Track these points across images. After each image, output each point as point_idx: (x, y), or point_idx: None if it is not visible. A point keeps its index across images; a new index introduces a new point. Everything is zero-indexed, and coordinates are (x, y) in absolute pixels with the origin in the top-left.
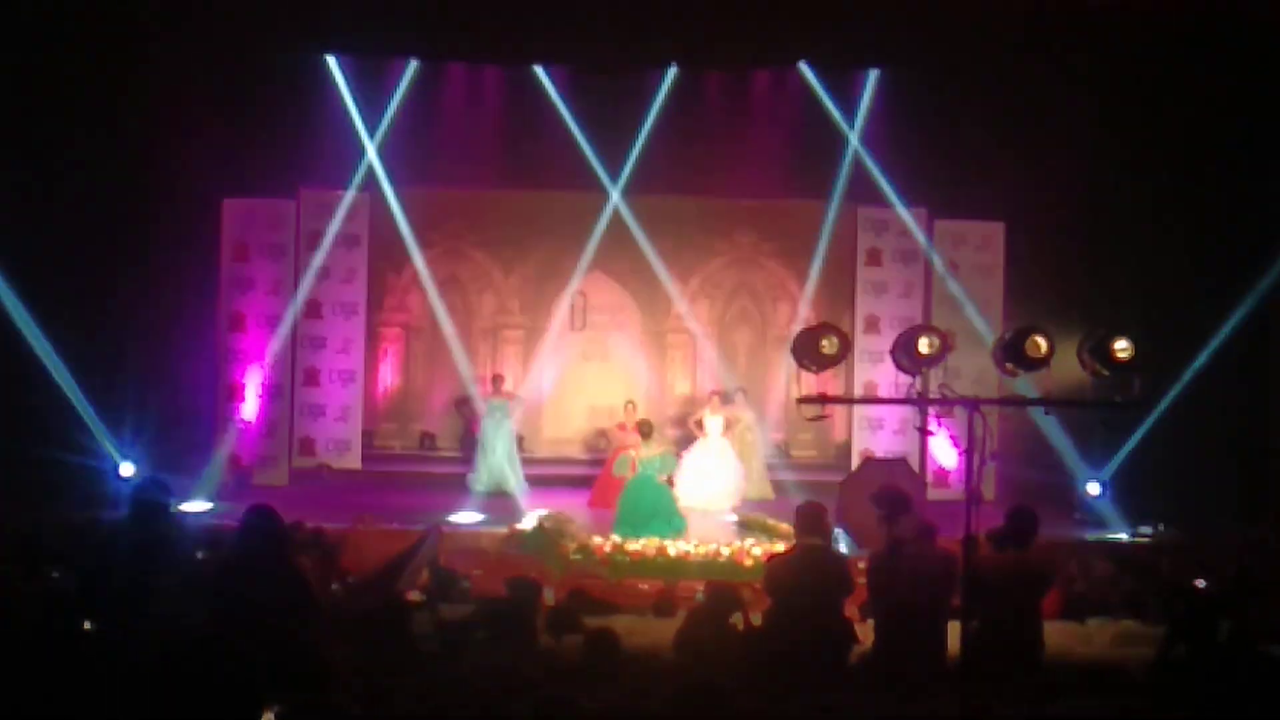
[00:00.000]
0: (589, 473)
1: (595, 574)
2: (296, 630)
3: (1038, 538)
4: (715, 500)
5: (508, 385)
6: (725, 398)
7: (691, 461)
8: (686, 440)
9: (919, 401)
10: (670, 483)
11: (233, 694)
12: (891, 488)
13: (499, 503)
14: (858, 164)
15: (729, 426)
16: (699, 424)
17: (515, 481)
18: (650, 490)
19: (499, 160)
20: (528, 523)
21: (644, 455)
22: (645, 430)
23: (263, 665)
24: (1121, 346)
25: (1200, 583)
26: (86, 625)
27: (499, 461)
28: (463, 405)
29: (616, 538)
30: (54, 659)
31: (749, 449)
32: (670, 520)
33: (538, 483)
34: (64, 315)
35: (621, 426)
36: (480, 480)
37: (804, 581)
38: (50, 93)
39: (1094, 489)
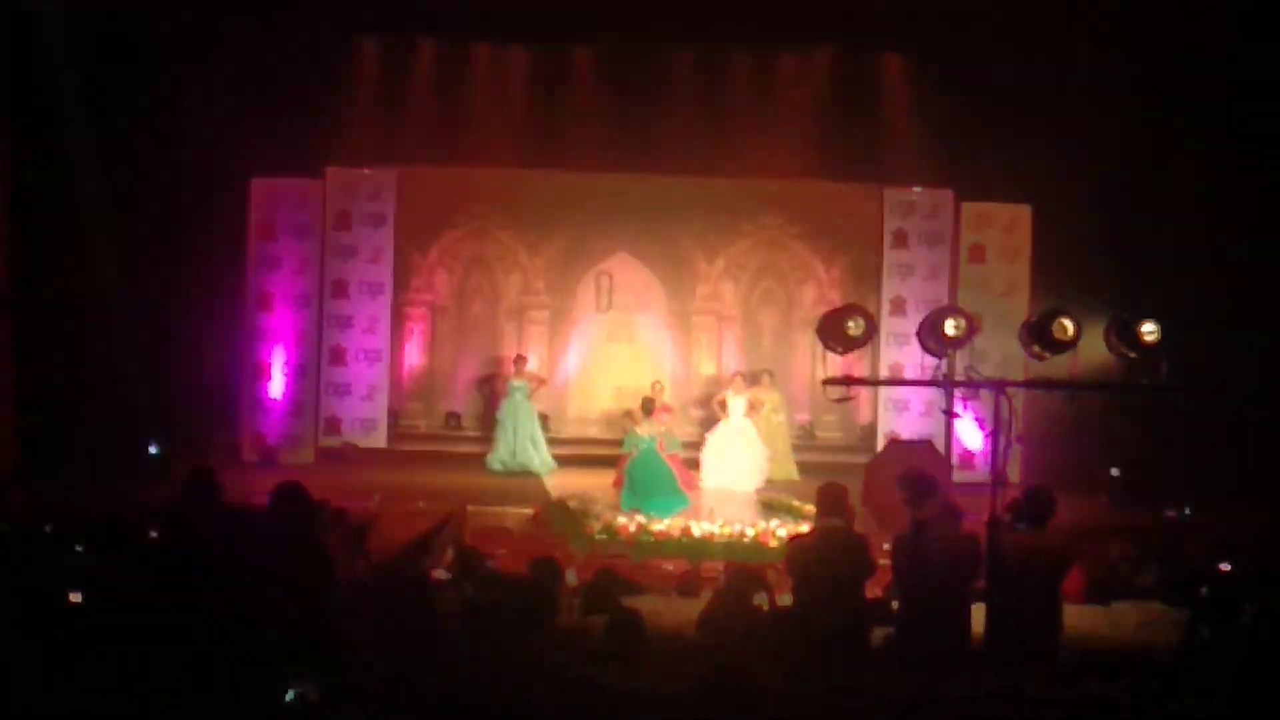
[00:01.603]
0: (614, 453)
1: (619, 554)
2: (318, 608)
3: (1060, 519)
4: (739, 480)
5: (531, 366)
6: (752, 379)
7: (715, 442)
8: (710, 421)
9: (945, 383)
10: (675, 460)
11: (258, 670)
12: (917, 470)
13: (524, 482)
14: (885, 146)
15: (753, 408)
16: (722, 405)
17: (540, 461)
18: (652, 464)
19: (525, 140)
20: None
21: (645, 432)
22: (647, 408)
23: (287, 642)
24: (1149, 330)
25: (1225, 566)
26: (75, 598)
27: (522, 442)
28: (483, 384)
29: (641, 518)
30: (75, 633)
31: (776, 430)
32: (672, 496)
33: (563, 463)
34: (92, 294)
35: None
36: (498, 460)
37: (824, 562)
38: (78, 72)
39: (1116, 472)
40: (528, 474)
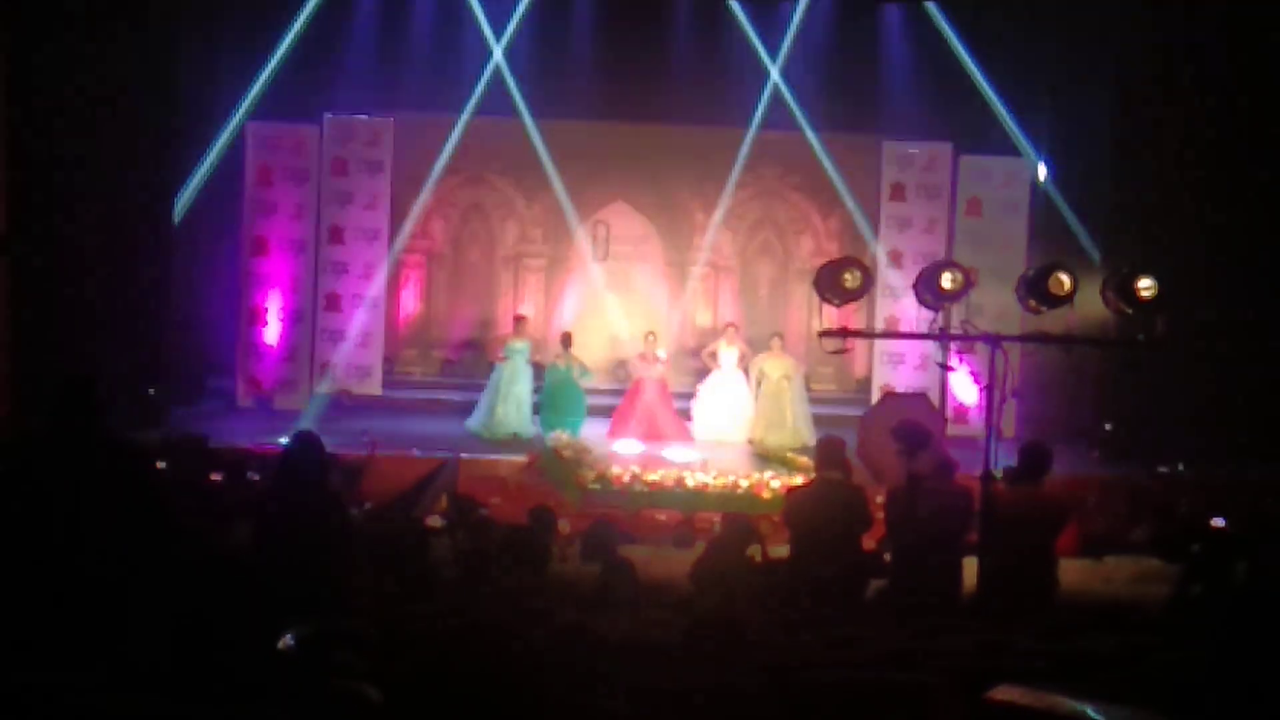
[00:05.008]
0: (609, 403)
1: (613, 504)
2: (328, 554)
3: (1055, 475)
4: (730, 431)
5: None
6: (780, 338)
7: (706, 393)
8: (702, 372)
9: (941, 337)
10: (669, 409)
11: (257, 614)
12: (911, 423)
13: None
14: (884, 98)
15: (742, 359)
16: (713, 355)
17: (527, 425)
18: (569, 390)
19: (524, 87)
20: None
21: (562, 363)
22: (565, 342)
23: (291, 586)
24: (1145, 285)
25: (1218, 522)
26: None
27: (522, 408)
28: (466, 348)
29: (635, 468)
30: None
31: (784, 395)
32: (580, 417)
33: None
34: (86, 237)
35: (642, 357)
36: (487, 426)
37: (822, 515)
38: (74, 15)
39: (1110, 426)
40: (519, 439)
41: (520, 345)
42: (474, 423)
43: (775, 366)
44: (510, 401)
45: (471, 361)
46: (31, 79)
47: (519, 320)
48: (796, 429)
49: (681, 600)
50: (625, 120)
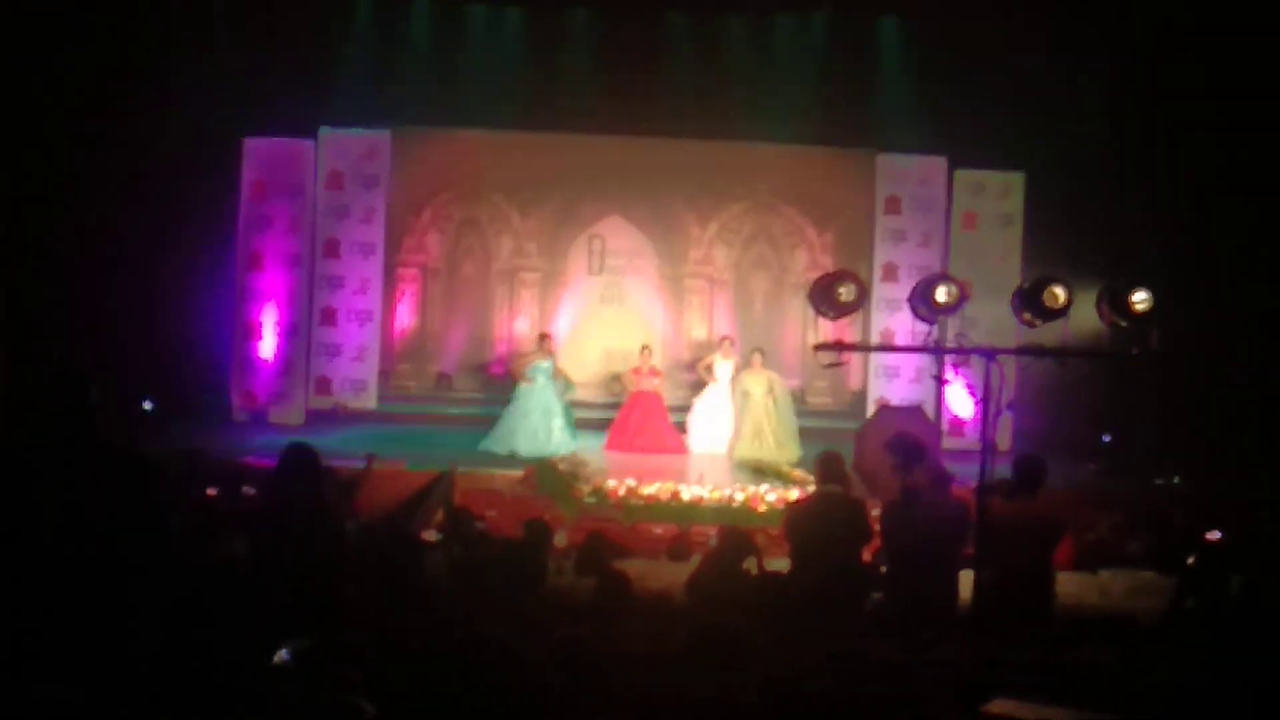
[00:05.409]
0: (605, 416)
1: (608, 517)
2: (322, 568)
3: (1051, 489)
4: (726, 445)
5: (525, 328)
6: (761, 354)
7: (702, 407)
8: (697, 386)
9: (936, 350)
10: (663, 422)
11: (253, 628)
12: (907, 436)
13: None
14: (879, 112)
15: (738, 371)
16: (709, 369)
17: (573, 442)
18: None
19: (519, 101)
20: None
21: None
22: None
23: (286, 600)
24: (1140, 298)
25: (1213, 535)
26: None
27: (558, 430)
28: (483, 370)
29: (631, 481)
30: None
31: (765, 411)
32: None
33: None
34: (84, 253)
35: (637, 371)
36: (506, 446)
37: (823, 528)
38: (70, 30)
39: (1105, 439)
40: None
41: (545, 364)
42: (496, 444)
43: (757, 383)
44: (557, 426)
45: (467, 375)
46: (23, 93)
47: (543, 338)
48: (781, 443)
49: (678, 613)
50: (620, 134)
